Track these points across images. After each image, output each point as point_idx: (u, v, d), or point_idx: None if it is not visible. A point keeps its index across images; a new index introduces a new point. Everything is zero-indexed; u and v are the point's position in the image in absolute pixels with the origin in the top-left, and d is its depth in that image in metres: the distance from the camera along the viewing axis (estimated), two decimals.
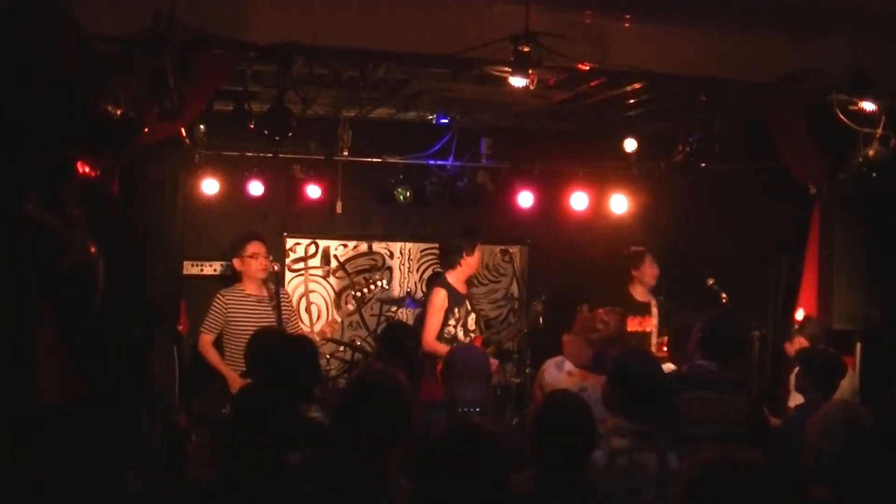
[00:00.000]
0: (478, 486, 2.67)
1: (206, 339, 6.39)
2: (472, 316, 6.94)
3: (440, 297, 6.66)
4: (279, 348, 4.43)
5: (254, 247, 6.56)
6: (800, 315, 6.01)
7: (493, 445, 2.75)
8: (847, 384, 5.17)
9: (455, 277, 6.81)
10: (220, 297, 6.47)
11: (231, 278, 6.89)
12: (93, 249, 4.29)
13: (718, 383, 4.49)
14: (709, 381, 4.51)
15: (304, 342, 4.63)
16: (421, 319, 6.90)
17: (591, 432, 3.38)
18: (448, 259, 6.86)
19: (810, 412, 4.34)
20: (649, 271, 7.13)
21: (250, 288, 6.54)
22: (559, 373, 5.04)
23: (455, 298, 6.74)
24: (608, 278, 7.49)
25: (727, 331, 4.75)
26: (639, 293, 7.16)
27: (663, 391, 3.97)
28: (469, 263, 6.83)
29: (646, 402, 3.76)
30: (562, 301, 7.24)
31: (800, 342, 5.72)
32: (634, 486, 3.58)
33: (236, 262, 6.58)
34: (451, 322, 6.73)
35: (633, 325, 6.95)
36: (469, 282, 7.14)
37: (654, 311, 7.14)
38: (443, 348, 6.37)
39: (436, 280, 7.02)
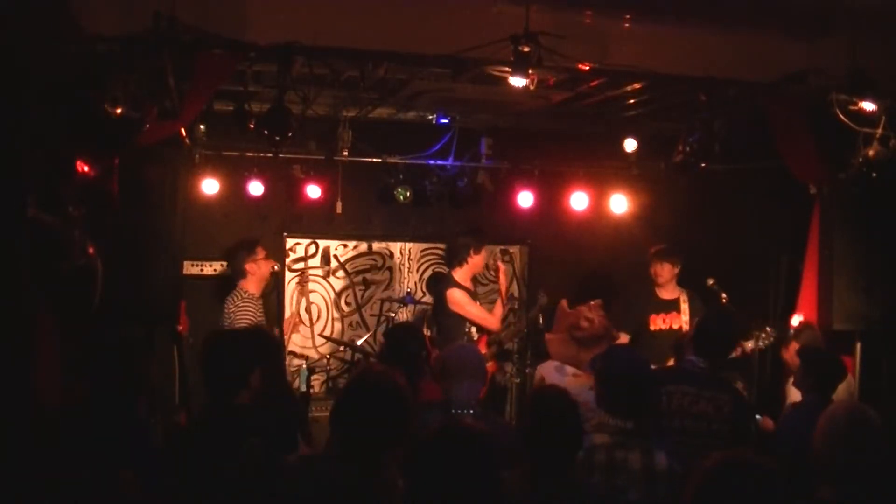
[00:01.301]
0: (468, 487, 2.67)
1: None
2: None
3: (461, 295, 6.69)
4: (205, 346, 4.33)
5: (262, 250, 6.83)
6: (796, 321, 5.98)
7: (483, 447, 2.75)
8: (843, 388, 5.16)
9: (462, 275, 6.84)
10: (250, 302, 6.59)
11: (231, 279, 6.90)
12: (91, 250, 4.29)
13: (702, 379, 4.48)
14: (692, 377, 4.50)
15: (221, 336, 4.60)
16: (451, 325, 6.82)
17: (575, 429, 3.37)
18: (457, 256, 6.89)
19: (808, 411, 4.35)
20: (652, 271, 7.11)
21: (256, 290, 6.72)
22: (562, 376, 4.93)
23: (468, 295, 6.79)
24: (633, 278, 7.51)
25: (718, 329, 4.74)
26: (663, 291, 7.03)
27: (648, 389, 3.94)
28: (476, 261, 6.90)
29: (629, 400, 3.73)
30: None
31: (794, 348, 5.70)
32: (616, 484, 3.53)
33: (250, 267, 6.72)
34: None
35: (655, 323, 6.92)
36: (474, 281, 7.16)
37: (685, 307, 6.96)
38: (499, 310, 7.05)
39: (443, 282, 6.96)
